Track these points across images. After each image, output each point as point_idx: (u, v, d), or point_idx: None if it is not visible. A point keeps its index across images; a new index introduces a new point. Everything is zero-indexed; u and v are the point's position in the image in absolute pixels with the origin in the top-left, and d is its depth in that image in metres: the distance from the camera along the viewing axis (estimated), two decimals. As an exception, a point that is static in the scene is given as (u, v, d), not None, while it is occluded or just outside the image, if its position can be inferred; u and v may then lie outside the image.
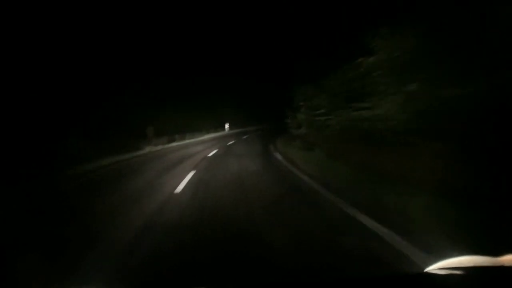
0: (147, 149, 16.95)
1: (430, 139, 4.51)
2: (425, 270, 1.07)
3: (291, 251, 2.78)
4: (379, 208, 3.62)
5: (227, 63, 40.45)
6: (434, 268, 1.07)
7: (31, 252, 3.07)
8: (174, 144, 20.88)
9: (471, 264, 1.01)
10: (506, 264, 0.97)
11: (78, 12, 16.49)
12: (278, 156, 10.44)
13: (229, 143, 17.23)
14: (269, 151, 12.46)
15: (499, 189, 3.34)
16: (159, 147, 18.05)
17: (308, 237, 3.08)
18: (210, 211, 4.10)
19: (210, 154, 11.99)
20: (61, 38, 15.31)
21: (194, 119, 27.81)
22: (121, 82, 19.34)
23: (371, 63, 6.00)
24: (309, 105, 11.78)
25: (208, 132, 29.93)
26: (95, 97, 16.73)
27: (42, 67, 14.26)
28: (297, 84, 14.21)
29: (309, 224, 3.46)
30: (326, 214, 3.76)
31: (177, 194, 5.10)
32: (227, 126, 34.67)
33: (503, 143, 3.57)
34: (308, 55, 14.15)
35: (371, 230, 3.08)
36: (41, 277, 2.48)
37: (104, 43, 18.33)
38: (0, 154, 9.73)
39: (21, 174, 8.31)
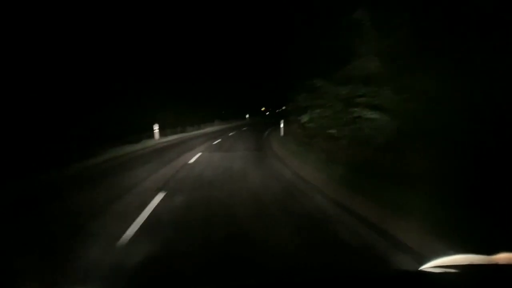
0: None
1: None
2: (420, 268, 1.06)
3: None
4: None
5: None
6: (429, 266, 1.06)
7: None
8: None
9: (465, 262, 1.01)
10: (500, 262, 0.96)
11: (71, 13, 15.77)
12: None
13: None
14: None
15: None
16: None
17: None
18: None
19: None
20: (59, 39, 15.12)
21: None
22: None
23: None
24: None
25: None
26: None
27: (40, 68, 13.90)
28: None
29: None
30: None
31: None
32: (156, 129, 19.46)
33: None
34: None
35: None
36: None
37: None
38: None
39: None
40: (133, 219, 4.03)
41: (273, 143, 14.44)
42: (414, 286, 0.94)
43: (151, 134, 19.36)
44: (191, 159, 9.68)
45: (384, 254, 2.91)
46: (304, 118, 10.04)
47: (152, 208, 4.52)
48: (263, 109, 67.10)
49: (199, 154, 10.88)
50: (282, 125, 18.32)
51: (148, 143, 17.12)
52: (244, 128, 29.14)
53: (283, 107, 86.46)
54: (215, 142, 16.07)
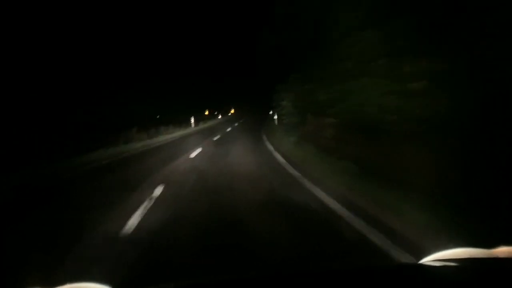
0: None
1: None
2: (420, 261, 1.06)
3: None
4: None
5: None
6: (429, 259, 1.05)
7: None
8: None
9: (465, 256, 1.00)
10: (500, 256, 0.96)
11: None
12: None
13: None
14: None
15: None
16: None
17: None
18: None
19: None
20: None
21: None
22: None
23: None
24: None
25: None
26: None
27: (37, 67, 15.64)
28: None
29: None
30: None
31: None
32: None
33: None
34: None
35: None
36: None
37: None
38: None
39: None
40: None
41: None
42: (414, 280, 0.93)
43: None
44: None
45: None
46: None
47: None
48: (206, 112, 56.63)
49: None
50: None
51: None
52: (196, 152, 11.63)
53: (232, 110, 73.39)
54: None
